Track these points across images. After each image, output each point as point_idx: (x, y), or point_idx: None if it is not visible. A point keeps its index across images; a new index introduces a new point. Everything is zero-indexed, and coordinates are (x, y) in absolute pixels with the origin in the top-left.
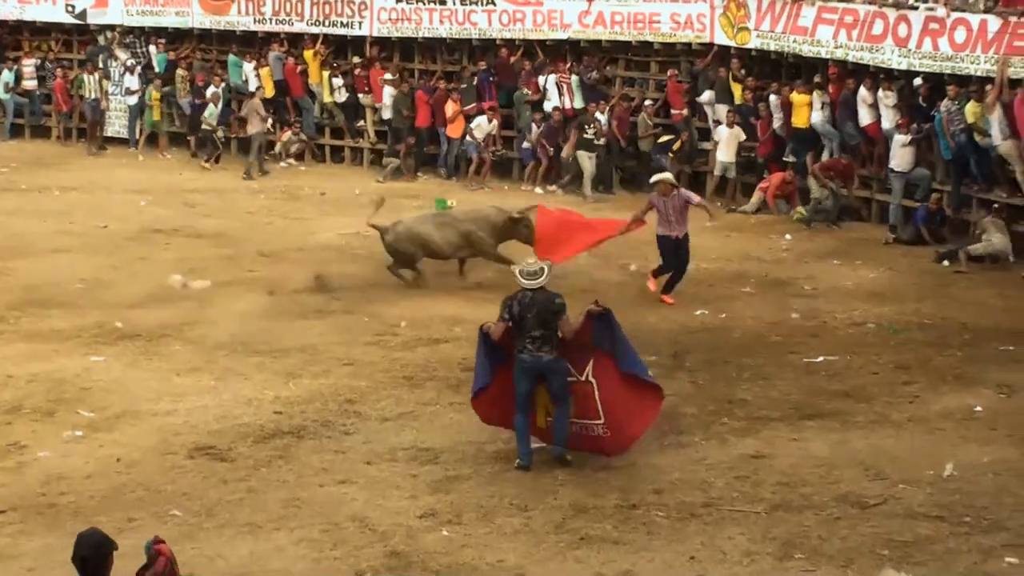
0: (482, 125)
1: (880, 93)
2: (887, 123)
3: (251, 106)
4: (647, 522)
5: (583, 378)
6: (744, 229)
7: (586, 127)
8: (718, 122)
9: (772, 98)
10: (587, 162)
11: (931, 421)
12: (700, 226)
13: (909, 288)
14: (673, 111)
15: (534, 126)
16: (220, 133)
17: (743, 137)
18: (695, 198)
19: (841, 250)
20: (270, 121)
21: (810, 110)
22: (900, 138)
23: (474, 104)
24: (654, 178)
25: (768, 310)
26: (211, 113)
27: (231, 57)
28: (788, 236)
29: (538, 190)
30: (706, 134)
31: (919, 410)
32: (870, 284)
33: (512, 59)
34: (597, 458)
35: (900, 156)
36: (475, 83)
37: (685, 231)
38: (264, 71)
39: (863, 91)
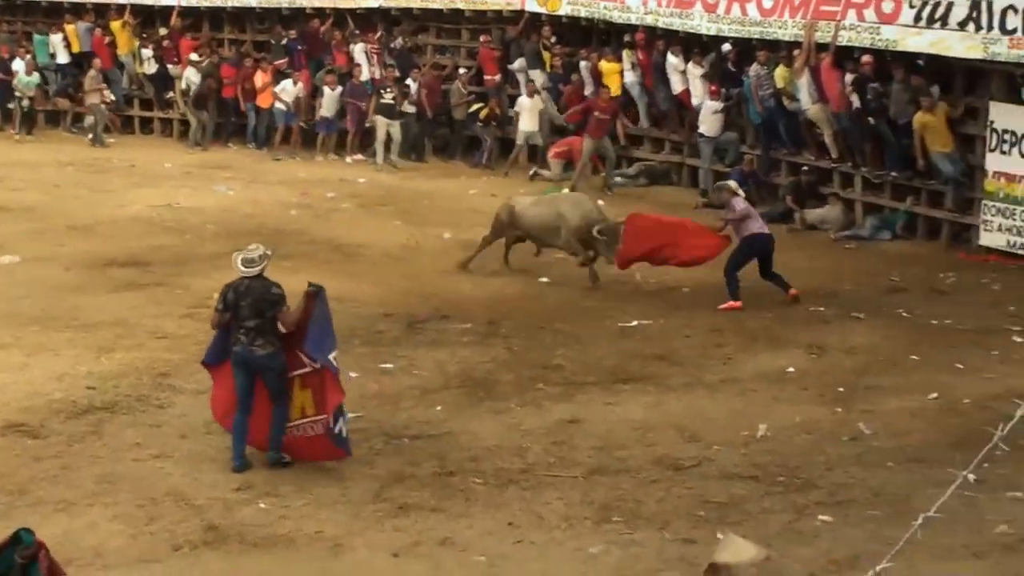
0: (288, 88)
1: (689, 65)
2: (696, 97)
3: (89, 78)
4: (465, 489)
5: (317, 364)
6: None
7: (383, 92)
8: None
9: (582, 65)
10: (383, 129)
11: (744, 382)
12: (512, 191)
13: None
14: (487, 77)
15: (327, 89)
16: (25, 103)
17: (542, 106)
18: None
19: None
20: (108, 94)
21: (621, 77)
22: (711, 104)
23: (284, 59)
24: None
25: (581, 276)
26: (26, 83)
27: (36, 37)
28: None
29: (348, 159)
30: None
31: (732, 372)
32: None
33: (322, 29)
34: (413, 425)
35: (709, 122)
36: (284, 52)
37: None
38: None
39: (671, 58)
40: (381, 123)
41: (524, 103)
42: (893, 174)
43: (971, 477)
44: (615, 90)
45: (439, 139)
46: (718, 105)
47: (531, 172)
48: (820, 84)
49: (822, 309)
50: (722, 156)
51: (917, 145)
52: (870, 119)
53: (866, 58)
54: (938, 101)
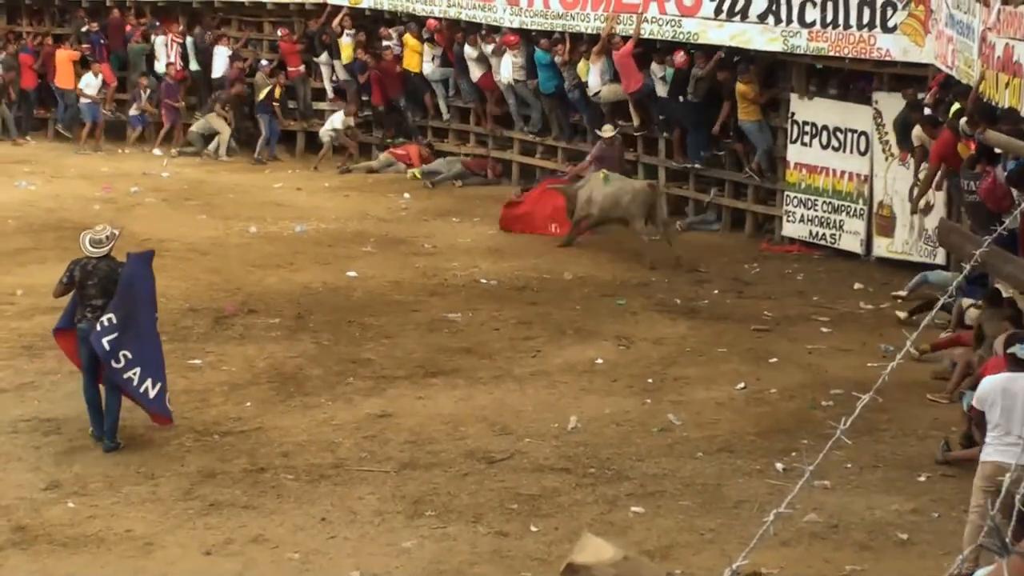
0: (91, 83)
1: (509, 56)
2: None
3: None
4: (276, 485)
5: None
6: (363, 188)
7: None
8: (334, 83)
9: (387, 43)
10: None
11: (553, 375)
12: (318, 186)
13: (527, 244)
14: (289, 69)
15: (141, 92)
16: None
17: (350, 125)
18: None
19: (460, 208)
20: None
21: (421, 59)
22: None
23: (86, 46)
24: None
25: (389, 269)
26: None
27: None
28: (407, 195)
29: (157, 151)
30: (322, 94)
31: (541, 364)
32: (489, 241)
33: (125, 21)
34: (223, 422)
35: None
36: (86, 42)
37: None
38: None
39: (468, 48)
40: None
41: (335, 119)
42: (696, 164)
43: (779, 467)
44: (414, 68)
45: (243, 132)
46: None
47: (342, 167)
48: (616, 69)
49: (628, 301)
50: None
51: (725, 110)
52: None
53: (680, 57)
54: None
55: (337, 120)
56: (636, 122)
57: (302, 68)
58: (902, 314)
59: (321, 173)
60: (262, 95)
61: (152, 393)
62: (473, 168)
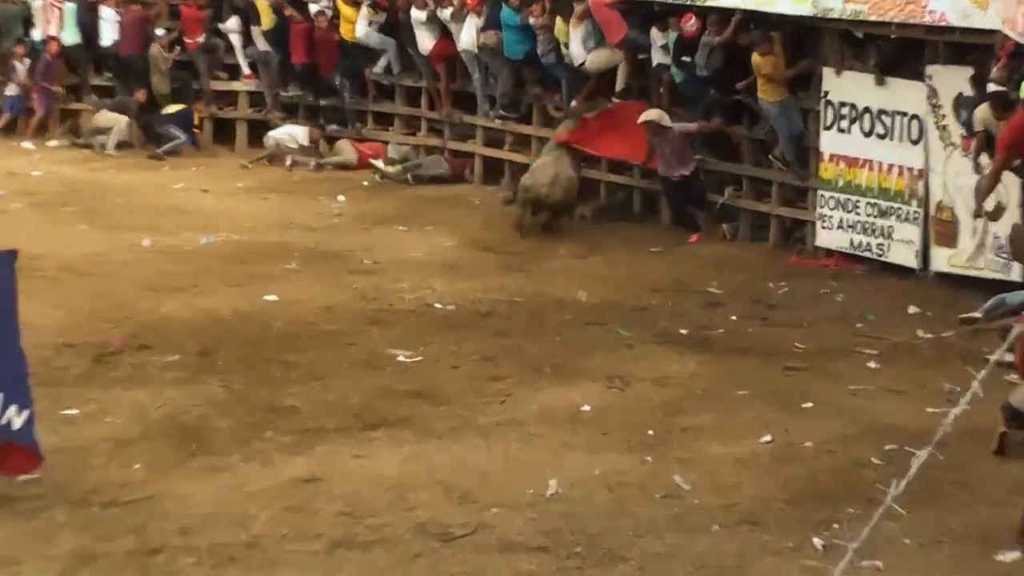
0: None
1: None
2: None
3: None
4: (174, 572)
5: None
6: (286, 189)
7: None
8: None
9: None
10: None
11: (528, 425)
12: (230, 186)
13: (493, 259)
14: (186, 40)
15: (18, 64)
16: None
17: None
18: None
19: (408, 213)
20: None
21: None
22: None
23: None
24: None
25: (319, 292)
26: None
27: None
28: (341, 197)
29: (27, 144)
30: (234, 71)
31: (512, 412)
32: (445, 254)
33: None
34: (104, 489)
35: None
36: None
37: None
38: None
39: (415, 12)
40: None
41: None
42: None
43: (817, 543)
44: (350, 35)
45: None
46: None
47: (289, 162)
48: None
49: (624, 331)
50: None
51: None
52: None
53: (691, 24)
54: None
55: (300, 134)
56: (619, 84)
57: (201, 38)
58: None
59: (237, 172)
60: (172, 110)
61: (17, 424)
62: (457, 170)
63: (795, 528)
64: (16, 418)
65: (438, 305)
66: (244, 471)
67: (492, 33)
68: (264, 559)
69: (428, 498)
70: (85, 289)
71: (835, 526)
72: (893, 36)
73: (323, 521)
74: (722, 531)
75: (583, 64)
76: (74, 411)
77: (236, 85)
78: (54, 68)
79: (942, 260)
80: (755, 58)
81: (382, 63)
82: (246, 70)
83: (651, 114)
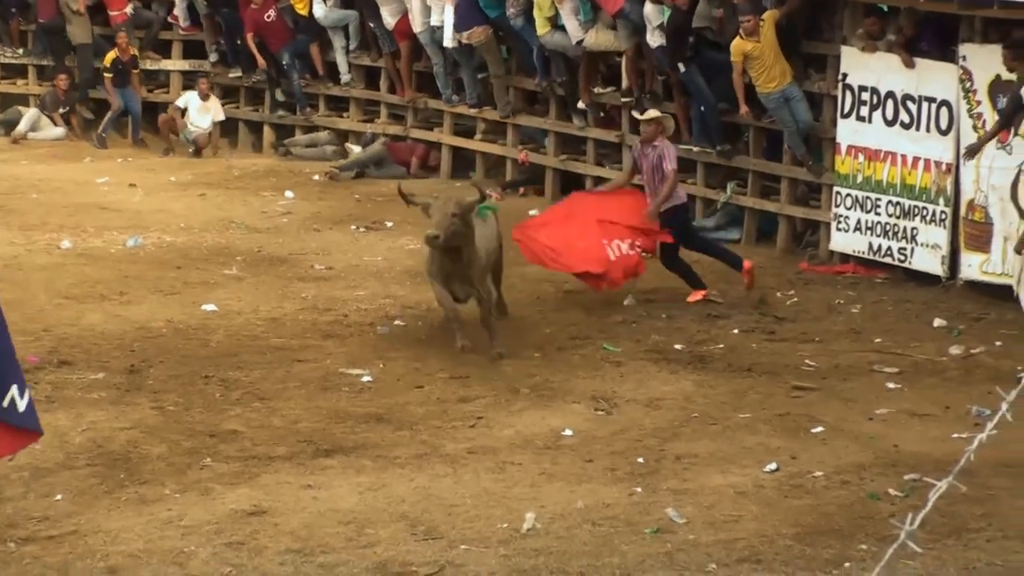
0: None
1: None
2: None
3: None
4: None
5: None
6: (226, 184)
7: None
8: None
9: None
10: None
11: (501, 452)
12: (161, 180)
13: None
14: (112, 12)
15: None
16: None
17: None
18: (669, 163)
19: (364, 212)
20: None
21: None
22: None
23: None
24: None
25: (264, 301)
26: None
27: None
28: (289, 193)
29: None
30: (164, 48)
31: (484, 437)
32: (408, 259)
33: None
34: (21, 523)
35: None
36: None
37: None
38: None
39: None
40: None
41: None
42: (696, 148)
43: None
44: (303, 9)
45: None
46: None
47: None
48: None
49: (610, 344)
50: None
51: (738, 84)
52: (680, 66)
53: None
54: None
55: (216, 110)
56: (624, 83)
57: (129, 10)
58: None
59: (168, 165)
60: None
61: (22, 404)
62: (400, 155)
63: (802, 567)
64: (20, 399)
65: (399, 318)
66: (180, 503)
67: (480, 30)
68: None
69: (388, 533)
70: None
71: (846, 565)
72: (921, 10)
73: (270, 559)
74: (720, 570)
75: (581, 42)
76: None
77: (167, 64)
78: None
79: (973, 267)
80: (737, 43)
81: (339, 42)
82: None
83: (654, 113)
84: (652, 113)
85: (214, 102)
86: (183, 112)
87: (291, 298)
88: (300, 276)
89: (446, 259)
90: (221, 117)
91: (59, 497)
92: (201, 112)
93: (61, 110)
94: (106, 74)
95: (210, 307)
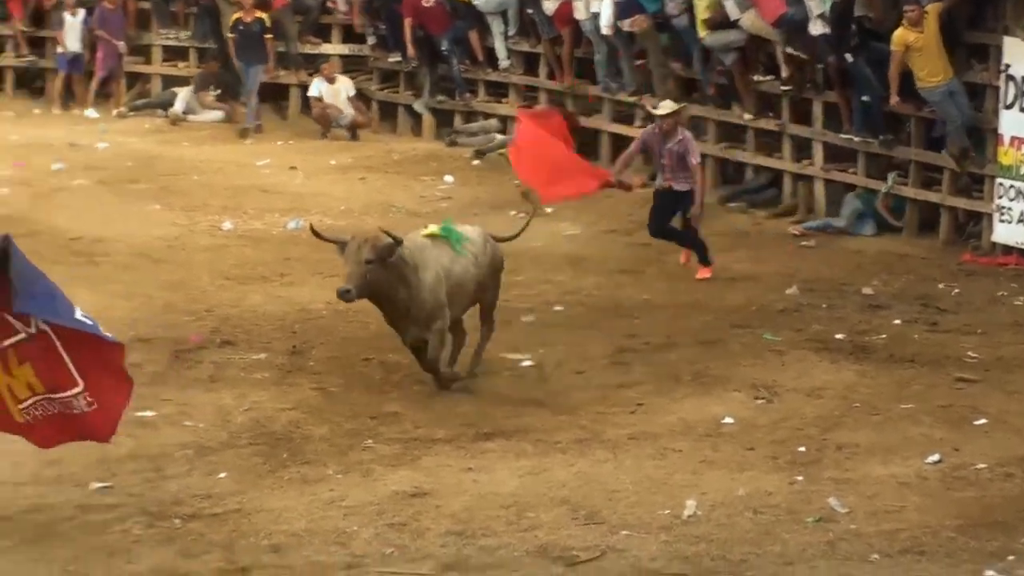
0: None
1: None
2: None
3: None
4: None
5: (32, 329)
6: (386, 168)
7: None
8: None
9: None
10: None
11: (662, 439)
12: (322, 163)
13: (623, 250)
14: None
15: (68, 16)
16: None
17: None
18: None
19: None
20: None
21: None
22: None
23: None
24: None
25: None
26: None
27: None
28: (449, 178)
29: (90, 112)
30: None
31: (645, 423)
32: (570, 245)
33: None
34: (186, 501)
35: None
36: None
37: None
38: None
39: None
40: None
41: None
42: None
43: None
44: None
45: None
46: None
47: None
48: None
49: (772, 332)
50: None
51: (894, 74)
52: (848, 56)
53: None
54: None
55: (346, 86)
56: (785, 73)
57: None
58: None
59: (330, 148)
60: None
61: (89, 321)
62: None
63: (966, 560)
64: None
65: (559, 305)
66: (342, 484)
67: (642, 18)
68: None
69: (549, 518)
70: (159, 278)
71: (1011, 558)
72: None
73: (431, 541)
74: (883, 561)
75: (736, 22)
76: (150, 413)
77: (327, 48)
78: (118, 18)
79: None
80: (899, 34)
81: (497, 27)
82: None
83: (664, 106)
84: (669, 106)
85: (342, 81)
86: (319, 99)
87: None
88: None
89: (381, 307)
90: (353, 92)
91: (223, 475)
92: (333, 95)
93: (213, 92)
94: (229, 34)
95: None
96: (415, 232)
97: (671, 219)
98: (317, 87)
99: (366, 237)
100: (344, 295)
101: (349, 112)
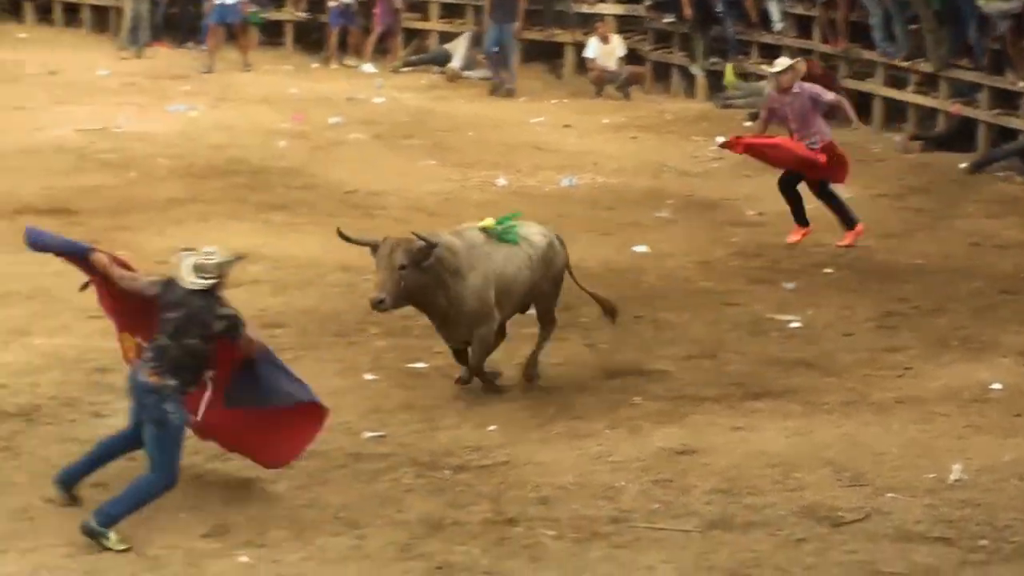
0: None
1: None
2: None
3: None
4: (530, 544)
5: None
6: (657, 128)
7: None
8: None
9: None
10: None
11: (929, 403)
12: (594, 122)
13: (893, 215)
14: None
15: None
16: None
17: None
18: (826, 94)
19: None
20: None
21: None
22: None
23: None
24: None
25: (694, 245)
26: None
27: None
28: (720, 138)
29: (367, 67)
30: None
31: (912, 387)
32: None
33: None
34: (456, 452)
35: None
36: None
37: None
38: None
39: None
40: None
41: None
42: None
43: None
44: None
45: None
46: None
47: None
48: None
49: None
50: None
51: None
52: None
53: None
54: None
55: (619, 46)
56: None
57: None
58: None
59: (603, 107)
60: None
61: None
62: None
63: None
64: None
65: (829, 267)
66: (610, 439)
67: None
68: (631, 536)
69: (815, 478)
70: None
71: None
72: None
73: (697, 498)
74: None
75: None
76: (422, 364)
77: (602, 8)
78: None
79: None
80: None
81: None
82: None
83: (786, 62)
84: (784, 62)
85: (615, 41)
86: (594, 60)
87: (721, 243)
88: (731, 221)
89: (422, 310)
90: (624, 51)
91: (492, 428)
92: (606, 56)
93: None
94: None
95: (641, 249)
96: (470, 226)
97: (798, 180)
98: (593, 47)
99: (398, 240)
100: (378, 305)
101: (623, 70)
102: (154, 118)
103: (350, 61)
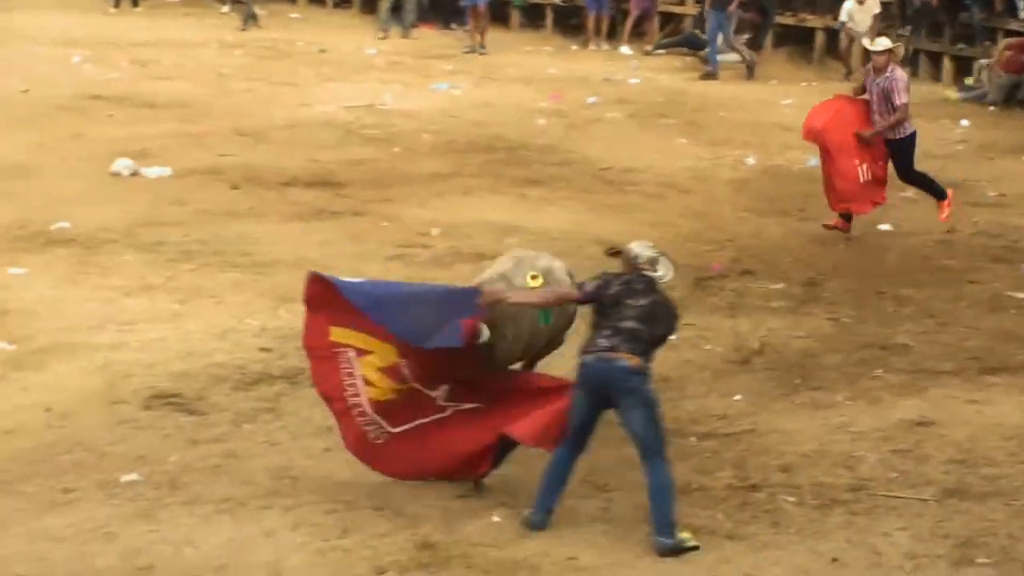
0: None
1: None
2: None
3: None
4: (772, 510)
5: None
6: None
7: None
8: None
9: None
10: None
11: None
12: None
13: None
14: None
15: None
16: None
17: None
18: (901, 94)
19: None
20: None
21: None
22: None
23: None
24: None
25: (936, 223)
26: None
27: None
28: (965, 122)
29: (624, 49)
30: None
31: None
32: None
33: None
34: (702, 420)
35: None
36: None
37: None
38: None
39: None
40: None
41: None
42: None
43: None
44: None
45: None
46: None
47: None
48: None
49: None
50: None
51: None
52: None
53: None
54: None
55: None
56: None
57: None
58: None
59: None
60: None
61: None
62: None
63: None
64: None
65: None
66: (851, 410)
67: None
68: (870, 503)
69: None
70: (684, 207)
71: None
72: None
73: (934, 468)
74: None
75: None
76: (672, 337)
77: None
78: None
79: None
80: None
81: None
82: None
83: (886, 43)
84: (884, 43)
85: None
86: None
87: (963, 222)
88: (972, 201)
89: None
90: (878, 9)
91: (738, 397)
92: (862, 14)
93: (746, 36)
94: None
95: (885, 227)
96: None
97: (912, 163)
98: (847, 10)
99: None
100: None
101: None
102: (418, 96)
103: (601, 45)
